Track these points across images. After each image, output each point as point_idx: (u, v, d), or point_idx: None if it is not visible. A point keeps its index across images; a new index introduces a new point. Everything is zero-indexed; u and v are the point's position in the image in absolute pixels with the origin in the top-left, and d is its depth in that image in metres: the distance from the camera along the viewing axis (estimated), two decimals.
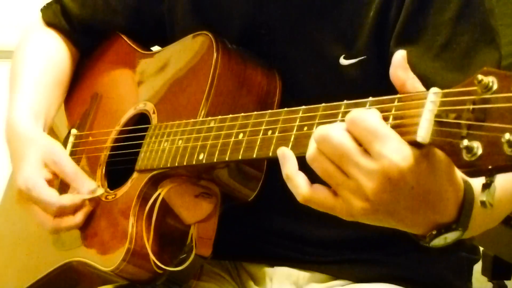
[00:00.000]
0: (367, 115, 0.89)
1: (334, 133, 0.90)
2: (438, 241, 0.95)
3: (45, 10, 1.58)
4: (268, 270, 1.33)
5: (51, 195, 1.32)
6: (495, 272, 2.03)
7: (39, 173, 1.34)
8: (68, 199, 1.31)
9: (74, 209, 1.31)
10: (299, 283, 1.32)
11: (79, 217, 1.32)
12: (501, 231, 1.90)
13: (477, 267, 1.97)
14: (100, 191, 1.32)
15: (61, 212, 1.31)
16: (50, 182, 1.34)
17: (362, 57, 1.22)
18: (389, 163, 0.87)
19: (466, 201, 0.94)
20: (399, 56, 0.93)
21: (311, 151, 0.93)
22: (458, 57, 1.18)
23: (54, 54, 1.55)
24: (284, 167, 0.96)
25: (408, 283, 1.30)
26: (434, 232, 0.94)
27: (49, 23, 1.57)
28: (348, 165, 0.90)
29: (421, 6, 1.18)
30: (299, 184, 0.94)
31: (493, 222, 1.13)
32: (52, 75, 1.52)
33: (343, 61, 1.23)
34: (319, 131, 0.92)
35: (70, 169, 1.34)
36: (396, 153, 0.87)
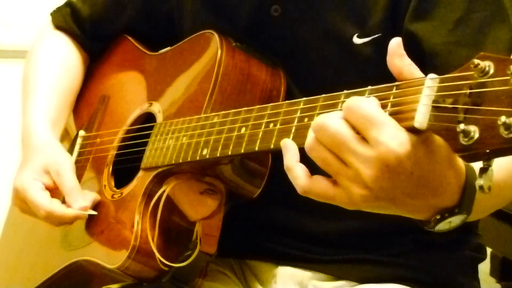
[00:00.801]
0: (363, 102, 0.89)
1: (331, 121, 0.90)
2: (443, 226, 0.94)
3: (55, 14, 1.58)
4: (273, 270, 1.33)
5: (44, 199, 1.32)
6: (503, 273, 2.02)
7: (38, 177, 1.35)
8: (58, 207, 1.32)
9: (63, 220, 1.32)
10: (304, 283, 1.32)
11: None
12: (510, 232, 1.89)
13: (486, 269, 1.96)
14: (92, 212, 1.33)
15: (49, 217, 1.32)
16: (48, 189, 1.35)
17: (376, 35, 1.21)
18: (386, 149, 0.87)
19: (468, 185, 0.93)
20: (395, 44, 0.92)
21: (309, 141, 0.92)
22: (471, 32, 1.17)
23: (66, 61, 1.55)
24: (285, 158, 0.96)
25: (412, 282, 1.29)
26: (438, 217, 0.93)
27: (59, 27, 1.57)
28: (346, 153, 0.90)
29: None
30: (298, 175, 0.94)
31: (499, 204, 1.12)
32: (65, 82, 1.53)
33: (356, 40, 1.23)
34: (316, 121, 0.92)
35: (69, 183, 1.34)
36: (393, 139, 0.87)
